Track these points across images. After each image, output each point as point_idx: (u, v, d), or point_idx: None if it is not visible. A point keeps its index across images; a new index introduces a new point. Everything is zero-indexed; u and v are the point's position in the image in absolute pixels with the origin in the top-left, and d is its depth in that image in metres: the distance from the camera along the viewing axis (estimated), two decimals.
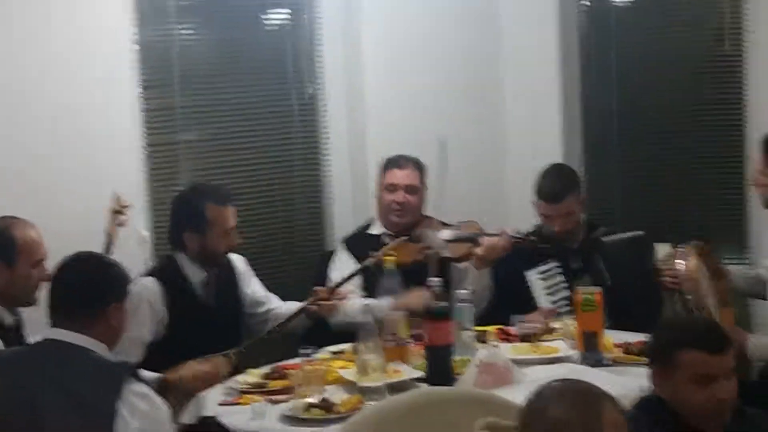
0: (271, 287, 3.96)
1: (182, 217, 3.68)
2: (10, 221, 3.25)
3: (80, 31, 3.97)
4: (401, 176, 4.09)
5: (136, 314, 3.48)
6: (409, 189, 4.09)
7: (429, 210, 4.12)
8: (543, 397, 2.07)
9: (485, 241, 3.85)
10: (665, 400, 2.41)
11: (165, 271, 3.65)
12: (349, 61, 4.60)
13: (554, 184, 3.92)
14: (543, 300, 3.89)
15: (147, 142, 4.20)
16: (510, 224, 4.03)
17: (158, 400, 2.59)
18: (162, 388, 3.17)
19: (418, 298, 3.57)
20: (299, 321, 3.69)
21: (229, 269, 3.79)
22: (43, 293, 3.09)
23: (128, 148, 4.12)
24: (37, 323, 3.02)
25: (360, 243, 4.12)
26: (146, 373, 3.23)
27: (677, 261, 3.42)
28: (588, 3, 4.81)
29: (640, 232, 3.83)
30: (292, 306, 3.80)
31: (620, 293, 3.69)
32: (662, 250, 3.65)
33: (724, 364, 2.38)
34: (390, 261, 3.56)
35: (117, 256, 3.22)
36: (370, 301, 3.68)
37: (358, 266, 3.78)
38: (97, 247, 3.49)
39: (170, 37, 4.29)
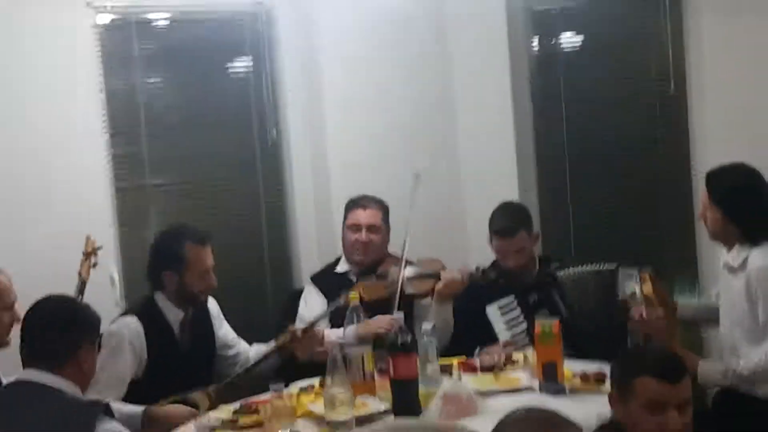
0: (240, 327, 3.94)
1: (161, 256, 3.65)
2: None
3: (49, 78, 3.98)
4: (364, 216, 4.11)
5: (120, 353, 3.46)
6: (372, 228, 4.10)
7: (397, 245, 4.12)
8: (508, 424, 2.07)
9: (444, 275, 3.87)
10: (622, 426, 2.42)
11: (145, 311, 3.62)
12: (311, 106, 4.63)
13: (506, 221, 3.95)
14: (503, 333, 3.89)
15: (116, 187, 4.20)
16: (471, 260, 4.03)
17: None
18: (147, 420, 3.17)
19: (381, 322, 3.58)
20: (268, 362, 3.68)
21: (204, 311, 3.77)
22: (14, 335, 3.06)
23: (98, 193, 4.12)
24: (9, 365, 2.97)
25: (327, 280, 4.13)
26: (130, 407, 3.23)
27: (632, 287, 3.43)
28: (536, 50, 4.86)
29: (606, 265, 3.84)
30: (260, 349, 3.79)
31: (579, 325, 3.70)
32: (629, 284, 3.64)
33: (677, 394, 2.39)
34: (355, 298, 3.54)
35: (88, 297, 3.20)
36: (338, 332, 3.66)
37: (329, 307, 3.78)
38: (69, 290, 3.48)
39: (136, 85, 4.29)
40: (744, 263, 3.29)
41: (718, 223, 3.37)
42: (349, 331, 3.49)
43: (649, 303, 3.26)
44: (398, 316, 3.32)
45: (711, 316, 3.57)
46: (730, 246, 3.37)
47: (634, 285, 3.40)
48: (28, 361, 2.65)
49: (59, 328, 2.65)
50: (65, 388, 2.60)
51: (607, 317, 3.71)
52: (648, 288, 3.27)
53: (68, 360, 2.62)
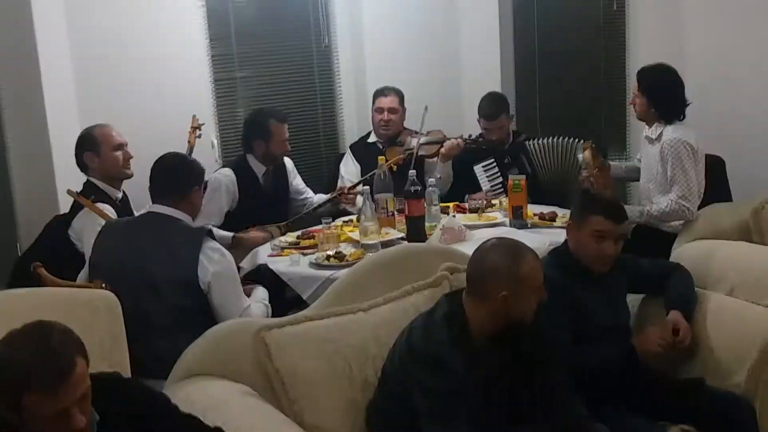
0: (304, 179, 3.97)
1: (253, 128, 3.64)
2: (92, 126, 3.21)
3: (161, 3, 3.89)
4: (385, 102, 4.03)
5: (218, 193, 3.50)
6: (391, 110, 4.02)
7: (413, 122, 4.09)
8: (482, 249, 2.12)
9: (447, 142, 3.85)
10: (570, 249, 2.45)
11: (239, 166, 3.64)
12: (353, 22, 4.50)
13: (490, 106, 3.89)
14: (485, 185, 3.90)
15: (214, 78, 4.14)
16: (465, 131, 4.01)
17: (227, 253, 2.61)
18: (234, 242, 3.26)
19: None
20: (326, 208, 3.73)
21: (282, 167, 3.78)
22: (138, 170, 3.09)
23: (202, 82, 4.07)
24: (141, 199, 3.03)
25: (362, 148, 4.11)
26: (223, 232, 3.31)
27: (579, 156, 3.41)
28: None
29: (570, 138, 3.79)
30: (321, 197, 3.83)
31: (538, 179, 3.70)
32: (580, 155, 3.59)
33: (616, 230, 2.40)
34: (382, 160, 3.54)
35: (195, 157, 3.20)
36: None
37: (366, 175, 3.73)
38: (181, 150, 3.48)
39: (227, 1, 4.17)
40: (659, 136, 3.26)
41: (643, 107, 3.31)
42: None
43: (587, 165, 3.25)
44: (413, 173, 3.31)
45: (634, 175, 3.56)
46: (651, 124, 3.33)
47: (579, 154, 3.38)
48: (155, 198, 2.67)
49: (177, 174, 2.67)
50: (181, 217, 2.63)
51: (564, 175, 3.71)
52: (587, 155, 3.24)
53: (184, 197, 2.64)
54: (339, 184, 3.92)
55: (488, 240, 2.15)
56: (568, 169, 3.74)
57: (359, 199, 3.63)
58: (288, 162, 3.83)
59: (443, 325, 2.04)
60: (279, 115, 3.68)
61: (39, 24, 3.42)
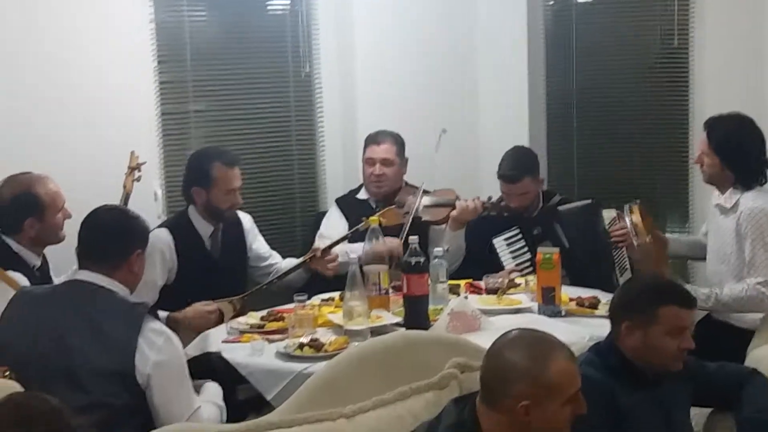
0: (269, 243, 3.99)
1: (192, 173, 3.71)
2: (30, 180, 3.27)
3: (104, 9, 3.95)
4: (378, 151, 4.10)
5: (150, 261, 3.50)
6: (385, 162, 4.08)
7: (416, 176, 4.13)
8: (499, 344, 2.13)
9: (459, 203, 3.89)
10: (617, 346, 2.46)
11: (178, 224, 3.68)
12: (342, 45, 4.60)
13: (512, 167, 3.94)
14: (508, 262, 3.92)
15: (161, 111, 4.20)
16: (482, 194, 4.06)
17: (173, 336, 2.62)
18: (170, 324, 3.24)
19: (389, 244, 3.58)
20: (297, 275, 3.75)
21: (237, 225, 3.81)
22: (67, 230, 3.12)
23: (145, 115, 4.11)
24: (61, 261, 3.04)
25: (350, 204, 4.15)
26: (158, 312, 3.30)
27: (624, 219, 3.45)
28: (552, 1, 4.82)
29: (589, 200, 3.86)
30: (291, 262, 3.85)
31: (576, 255, 3.74)
32: (607, 214, 3.67)
33: (691, 318, 2.45)
34: (375, 221, 3.58)
35: (131, 209, 3.23)
36: (355, 247, 3.68)
37: (350, 230, 3.81)
38: (114, 200, 3.50)
39: (183, 17, 4.27)
40: (735, 205, 3.31)
41: (714, 168, 3.37)
42: (364, 247, 3.51)
43: (638, 231, 3.27)
44: (414, 240, 3.34)
45: (698, 253, 3.60)
46: (723, 189, 3.38)
47: (610, 214, 3.37)
48: (83, 263, 2.68)
49: (115, 235, 2.69)
50: (116, 288, 2.64)
51: (598, 248, 3.74)
52: (637, 217, 3.27)
53: (121, 264, 2.66)
54: (316, 242, 3.93)
55: (509, 332, 2.16)
56: (598, 243, 3.77)
57: (341, 259, 3.65)
58: (245, 219, 3.87)
59: None
60: (226, 157, 3.72)
61: None
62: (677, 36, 4.47)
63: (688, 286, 2.99)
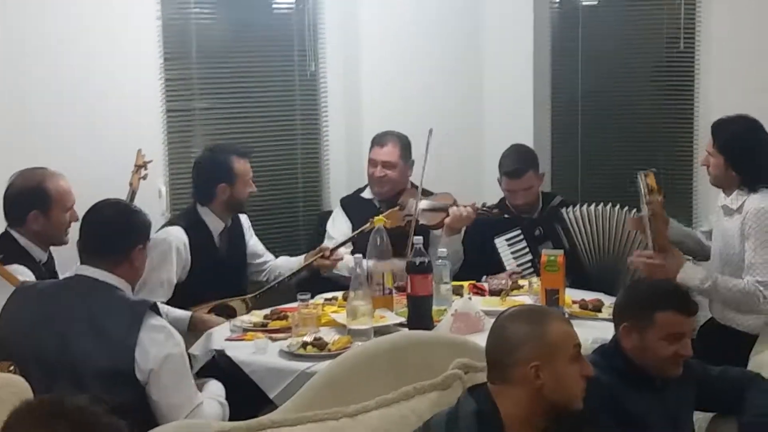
0: (272, 241, 3.99)
1: (215, 171, 3.70)
2: (43, 175, 3.27)
3: (110, 7, 3.96)
4: (380, 153, 4.10)
5: (167, 259, 3.52)
6: (387, 165, 4.08)
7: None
8: (500, 320, 2.23)
9: (452, 210, 3.88)
10: (626, 353, 2.45)
11: (191, 222, 3.68)
12: (348, 44, 4.59)
13: (515, 162, 3.94)
14: (510, 263, 3.91)
15: (167, 108, 4.20)
16: (487, 196, 4.04)
17: (175, 333, 2.61)
18: (192, 325, 3.26)
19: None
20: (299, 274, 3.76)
21: (238, 224, 3.83)
22: (72, 234, 3.12)
23: (151, 112, 4.12)
24: (67, 259, 3.04)
25: (354, 204, 4.15)
26: (180, 311, 3.32)
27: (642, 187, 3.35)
28: (558, 3, 4.81)
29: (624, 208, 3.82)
30: (288, 260, 3.85)
31: (580, 257, 3.73)
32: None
33: (690, 324, 2.44)
34: (380, 221, 3.57)
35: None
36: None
37: (355, 231, 3.81)
38: (120, 197, 3.50)
39: (189, 15, 4.27)
40: (741, 206, 3.29)
41: (719, 169, 3.36)
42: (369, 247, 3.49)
43: (651, 190, 3.19)
44: (418, 240, 3.33)
45: (694, 246, 3.58)
46: (729, 191, 3.37)
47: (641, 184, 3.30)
48: (84, 258, 2.68)
49: (116, 230, 2.68)
50: (117, 284, 2.64)
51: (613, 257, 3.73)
52: (651, 179, 3.21)
53: (122, 259, 2.65)
54: (325, 243, 3.94)
55: (505, 310, 2.26)
56: (617, 248, 3.76)
57: (346, 260, 3.65)
58: (243, 217, 3.90)
59: (474, 429, 2.04)
60: (239, 149, 3.80)
61: None
62: (683, 39, 4.46)
63: (686, 265, 2.98)
